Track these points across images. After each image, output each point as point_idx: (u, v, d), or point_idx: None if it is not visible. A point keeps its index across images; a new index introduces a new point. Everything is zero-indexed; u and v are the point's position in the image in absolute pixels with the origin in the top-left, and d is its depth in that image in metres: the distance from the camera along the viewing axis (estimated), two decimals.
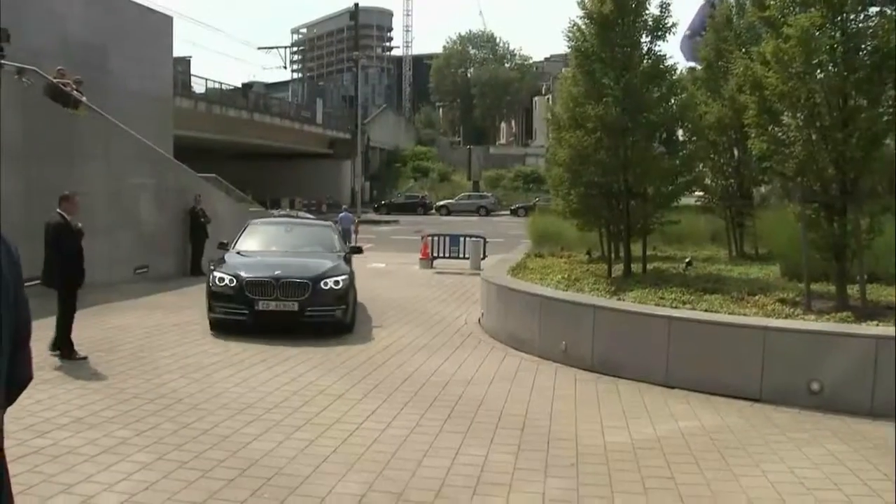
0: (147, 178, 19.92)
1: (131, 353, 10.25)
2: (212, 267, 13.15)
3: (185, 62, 66.04)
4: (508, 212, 62.45)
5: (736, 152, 16.48)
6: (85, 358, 9.78)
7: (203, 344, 11.02)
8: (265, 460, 6.22)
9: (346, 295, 12.38)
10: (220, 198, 24.17)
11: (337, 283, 12.22)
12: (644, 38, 13.25)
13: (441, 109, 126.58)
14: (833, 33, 9.99)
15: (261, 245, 14.22)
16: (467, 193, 72.14)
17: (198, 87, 55.98)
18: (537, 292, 11.21)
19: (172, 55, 31.93)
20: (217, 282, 12.15)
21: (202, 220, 20.62)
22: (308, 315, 11.92)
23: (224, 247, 14.17)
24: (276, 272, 12.15)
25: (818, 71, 10.13)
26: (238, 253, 13.64)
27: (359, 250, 15.93)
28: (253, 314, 11.76)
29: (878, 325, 8.61)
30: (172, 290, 16.94)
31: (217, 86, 59.02)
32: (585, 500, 5.52)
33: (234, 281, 11.99)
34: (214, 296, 12.12)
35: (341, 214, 30.11)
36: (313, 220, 16.83)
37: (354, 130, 70.77)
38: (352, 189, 72.89)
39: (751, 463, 6.35)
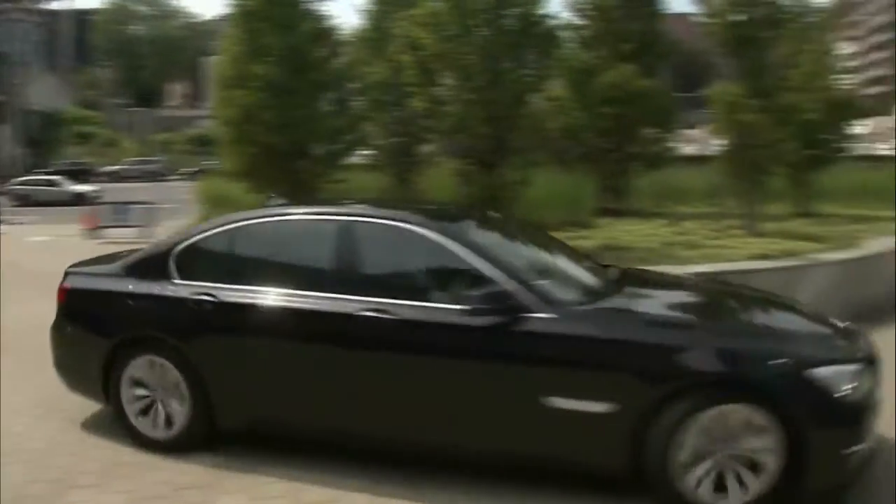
0: None
1: None
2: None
3: None
4: (180, 176, 60.34)
5: (400, 111, 16.96)
6: None
7: None
8: None
9: None
10: None
11: None
12: None
13: (106, 69, 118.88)
14: None
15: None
16: (136, 158, 68.67)
17: None
18: None
19: None
20: None
21: None
22: None
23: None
24: None
25: (471, 33, 10.64)
26: None
27: None
28: None
29: None
30: None
31: None
32: None
33: None
34: None
35: None
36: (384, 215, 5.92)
37: (7, 91, 64.68)
38: (7, 156, 66.83)
39: None
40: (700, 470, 4.32)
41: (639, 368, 4.41)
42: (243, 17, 13.10)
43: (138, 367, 5.54)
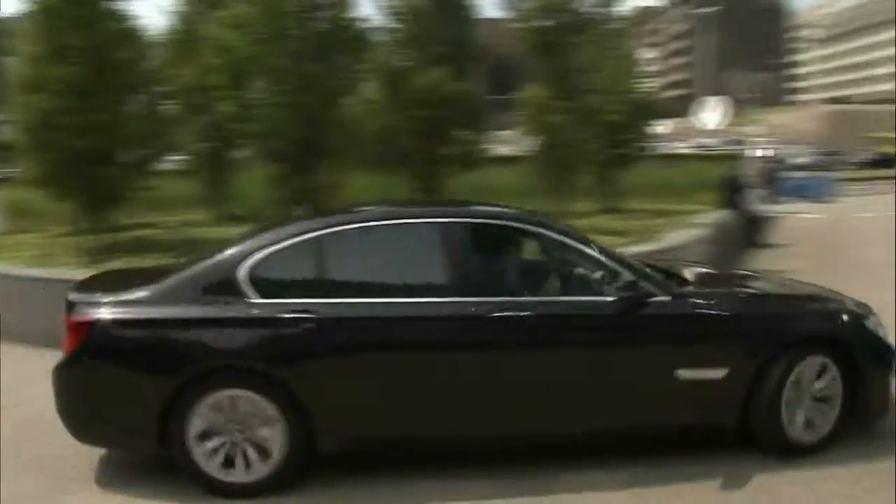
0: None
1: None
2: None
3: None
4: None
5: (212, 115, 16.57)
6: None
7: None
8: None
9: None
10: None
11: None
12: None
13: None
14: (298, 1, 10.48)
15: None
16: None
17: None
18: (4, 272, 10.25)
19: None
20: None
21: None
22: None
23: None
24: None
25: (281, 36, 10.56)
26: None
27: None
28: None
29: None
30: None
31: None
32: None
33: None
34: None
35: None
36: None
37: None
38: None
39: None
40: (797, 414, 5.09)
41: (747, 335, 5.11)
42: (41, 15, 12.44)
43: (212, 405, 4.73)
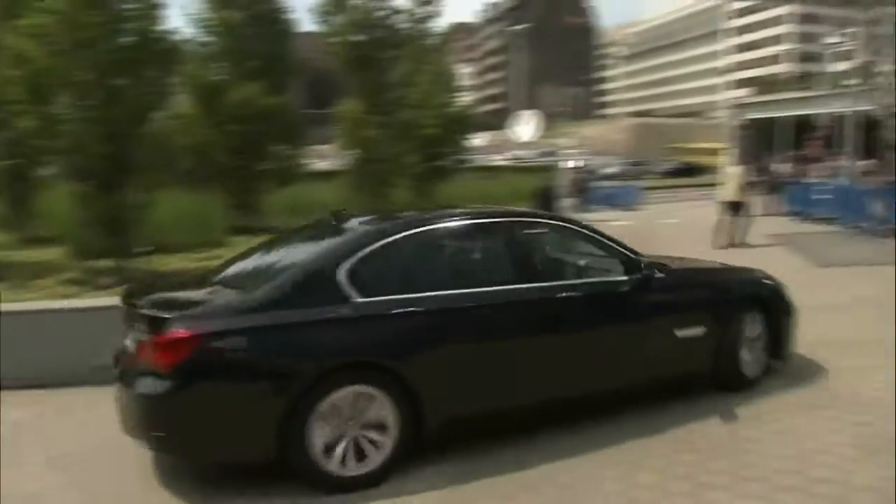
0: None
1: None
2: None
3: None
4: None
5: (13, 130, 15.70)
6: None
7: None
8: None
9: None
10: None
11: None
12: None
13: None
14: (101, 13, 10.10)
15: None
16: None
17: None
18: None
19: None
20: None
21: None
22: None
23: None
24: None
25: (85, 48, 10.14)
26: None
27: None
28: None
29: None
30: None
31: None
32: None
33: None
34: None
35: None
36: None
37: None
38: None
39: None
40: (745, 357, 6.54)
41: (715, 300, 6.56)
42: None
43: (332, 404, 4.82)
